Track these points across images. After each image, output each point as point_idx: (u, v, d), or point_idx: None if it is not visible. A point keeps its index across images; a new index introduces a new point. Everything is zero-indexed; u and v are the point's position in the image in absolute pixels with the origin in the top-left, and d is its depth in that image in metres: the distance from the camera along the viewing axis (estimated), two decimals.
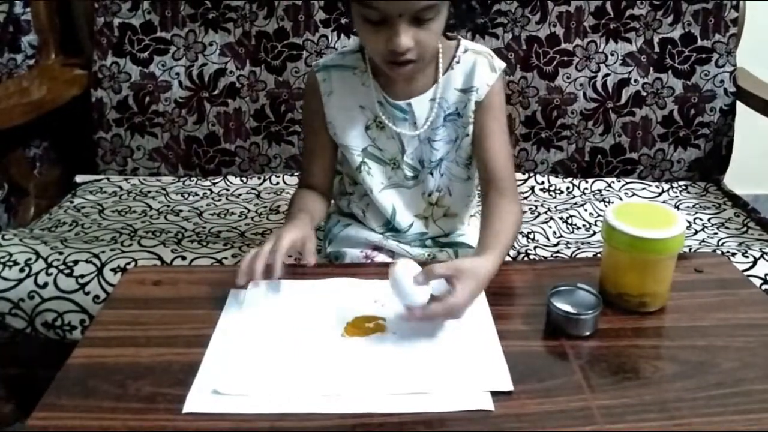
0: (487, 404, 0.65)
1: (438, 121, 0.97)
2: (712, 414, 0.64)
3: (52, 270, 1.16)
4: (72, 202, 1.51)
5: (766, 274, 1.16)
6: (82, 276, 1.15)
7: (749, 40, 1.58)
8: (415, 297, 0.74)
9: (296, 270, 0.87)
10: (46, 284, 1.15)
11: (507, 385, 0.67)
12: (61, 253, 1.19)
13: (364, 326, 0.77)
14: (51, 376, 0.69)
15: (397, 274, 0.74)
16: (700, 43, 1.56)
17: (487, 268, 0.79)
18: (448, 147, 1.00)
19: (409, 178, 1.02)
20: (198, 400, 0.66)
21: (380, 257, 1.05)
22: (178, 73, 1.59)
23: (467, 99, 0.96)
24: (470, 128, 0.97)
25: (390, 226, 1.05)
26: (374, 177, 1.01)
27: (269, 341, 0.75)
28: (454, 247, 1.06)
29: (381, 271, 0.80)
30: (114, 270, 1.16)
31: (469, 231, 1.09)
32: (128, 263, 1.17)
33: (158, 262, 1.19)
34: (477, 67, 0.96)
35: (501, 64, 0.97)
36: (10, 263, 1.17)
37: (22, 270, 1.16)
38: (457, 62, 0.96)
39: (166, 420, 0.64)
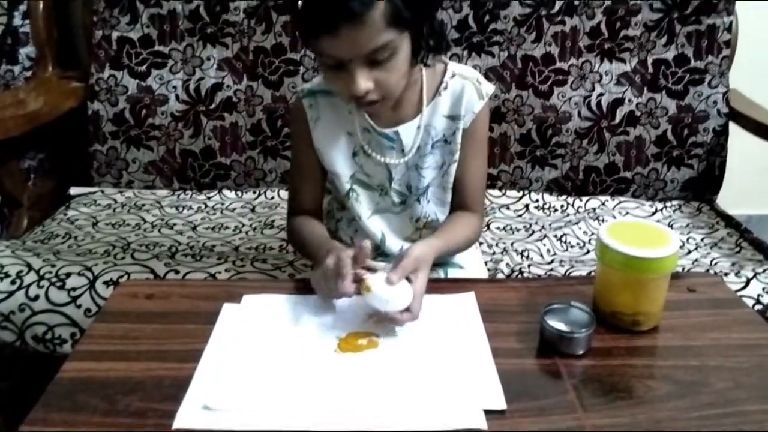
0: (481, 423, 0.65)
1: (426, 149, 0.97)
2: None
3: (44, 282, 1.15)
4: (65, 214, 1.50)
5: (759, 295, 1.17)
6: (74, 289, 1.15)
7: (742, 62, 1.60)
8: (401, 301, 0.77)
9: (290, 285, 0.87)
10: (37, 297, 1.14)
11: (500, 403, 0.67)
12: (53, 266, 1.18)
13: (357, 342, 0.77)
14: (40, 390, 0.69)
15: (376, 290, 0.76)
16: (693, 64, 1.57)
17: (432, 254, 0.86)
18: (435, 173, 0.99)
19: (397, 204, 1.02)
20: (188, 415, 0.65)
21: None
22: (175, 87, 1.60)
23: (455, 126, 0.96)
24: (457, 155, 0.97)
25: (379, 251, 1.03)
26: (362, 204, 1.01)
27: (262, 357, 0.74)
28: (445, 267, 1.05)
29: None
30: (106, 283, 1.15)
31: None
32: (121, 276, 1.16)
33: (151, 276, 1.18)
34: (465, 93, 0.95)
35: (489, 90, 0.97)
36: (2, 275, 1.16)
37: (13, 282, 1.15)
38: (444, 88, 0.96)
39: None
